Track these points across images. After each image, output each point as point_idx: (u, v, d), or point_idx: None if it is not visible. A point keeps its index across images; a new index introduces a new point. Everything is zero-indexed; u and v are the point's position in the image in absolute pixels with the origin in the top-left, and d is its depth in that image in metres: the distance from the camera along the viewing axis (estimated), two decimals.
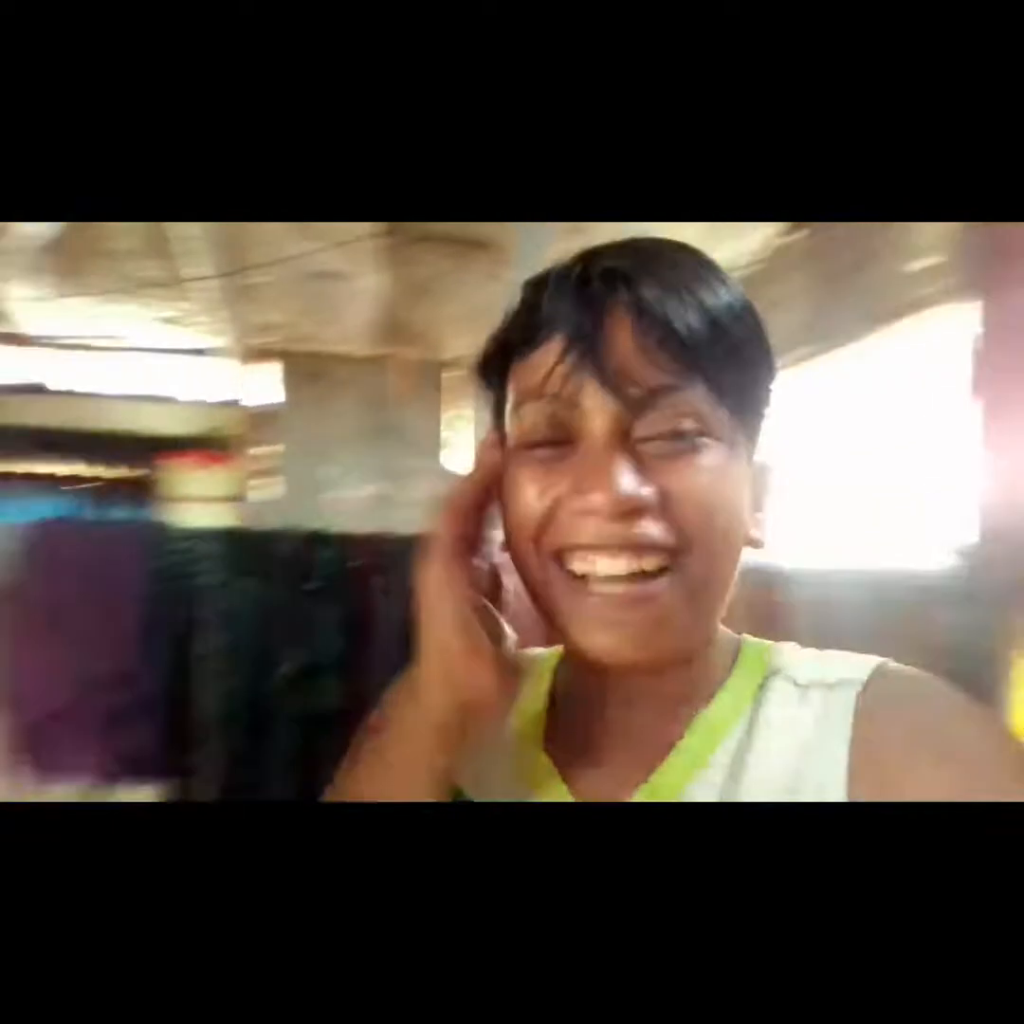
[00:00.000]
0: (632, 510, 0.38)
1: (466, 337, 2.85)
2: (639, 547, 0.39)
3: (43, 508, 3.75)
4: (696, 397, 0.40)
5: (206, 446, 2.85)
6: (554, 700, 0.51)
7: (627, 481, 0.38)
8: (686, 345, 0.39)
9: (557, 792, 0.45)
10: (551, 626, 0.44)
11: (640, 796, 0.43)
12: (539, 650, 0.56)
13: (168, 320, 2.54)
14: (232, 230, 2.15)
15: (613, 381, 0.39)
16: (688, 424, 0.40)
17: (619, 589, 0.39)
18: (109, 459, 3.29)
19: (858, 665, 0.43)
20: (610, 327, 0.39)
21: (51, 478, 3.67)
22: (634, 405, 0.39)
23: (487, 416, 0.48)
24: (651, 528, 0.39)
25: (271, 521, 2.75)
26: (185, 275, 2.31)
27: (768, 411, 0.45)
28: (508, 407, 0.44)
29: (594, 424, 0.40)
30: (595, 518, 0.39)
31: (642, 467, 0.39)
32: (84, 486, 3.54)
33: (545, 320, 0.41)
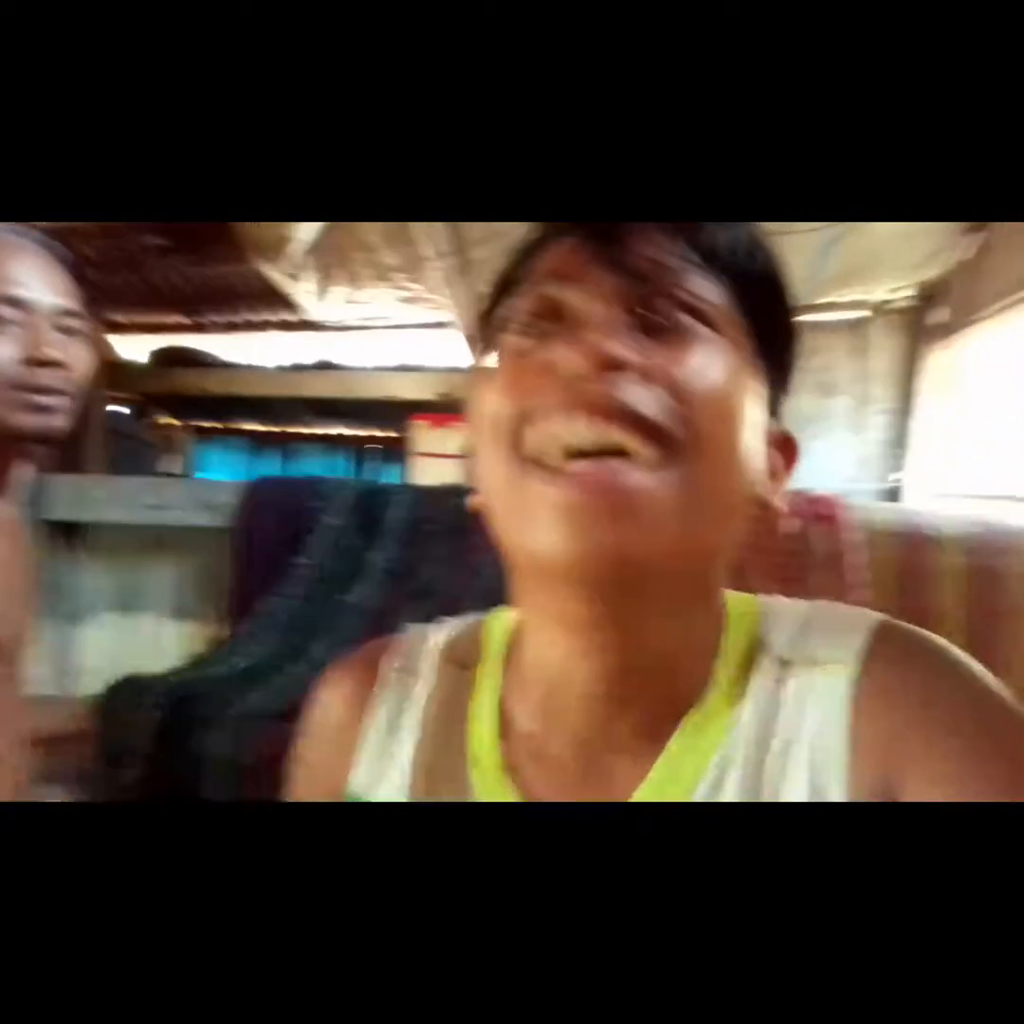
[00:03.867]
0: (610, 362, 0.34)
1: None
2: (623, 411, 0.33)
3: (325, 465, 4.49)
4: (708, 286, 0.37)
5: (448, 409, 3.21)
6: (511, 703, 0.43)
7: (615, 339, 0.34)
8: (707, 237, 0.37)
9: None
10: (514, 561, 0.37)
11: None
12: (467, 630, 0.48)
13: (408, 300, 2.92)
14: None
15: (617, 250, 0.36)
16: (691, 301, 0.36)
17: (592, 467, 0.33)
18: (373, 422, 3.87)
19: (852, 631, 0.38)
20: (624, 224, 0.37)
21: (332, 438, 4.38)
22: (635, 277, 0.36)
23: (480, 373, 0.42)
24: (640, 394, 0.34)
25: None
26: (418, 257, 2.65)
27: (790, 377, 0.41)
28: (497, 314, 0.41)
29: (586, 294, 0.36)
30: (573, 379, 0.34)
31: (640, 339, 0.35)
32: (357, 445, 4.19)
33: (556, 227, 0.39)
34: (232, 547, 1.51)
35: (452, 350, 3.22)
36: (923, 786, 0.33)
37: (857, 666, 0.36)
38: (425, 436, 3.30)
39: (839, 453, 2.56)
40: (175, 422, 4.62)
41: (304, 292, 2.98)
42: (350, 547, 1.47)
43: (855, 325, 2.60)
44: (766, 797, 0.36)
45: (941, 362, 2.39)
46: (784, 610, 0.41)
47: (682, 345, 0.36)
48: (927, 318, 2.47)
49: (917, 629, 0.38)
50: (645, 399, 0.34)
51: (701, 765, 0.37)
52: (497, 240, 2.92)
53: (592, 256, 0.37)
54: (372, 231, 2.62)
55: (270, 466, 4.67)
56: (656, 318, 0.36)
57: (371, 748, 0.45)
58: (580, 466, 0.34)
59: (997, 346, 2.04)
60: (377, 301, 3.00)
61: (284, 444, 4.73)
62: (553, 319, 0.37)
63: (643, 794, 0.38)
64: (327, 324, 3.31)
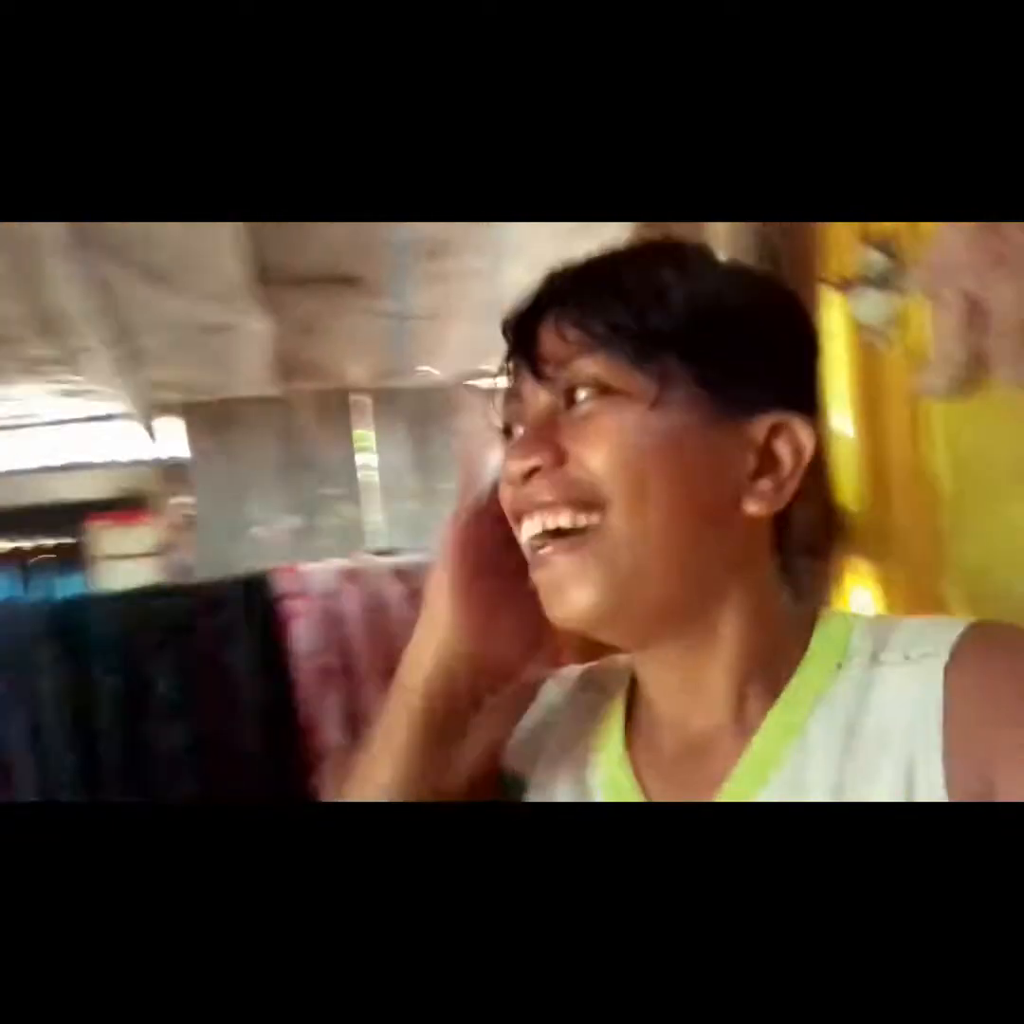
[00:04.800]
0: (528, 471, 0.41)
1: (359, 365, 3.01)
2: (547, 505, 0.40)
3: None
4: (598, 360, 0.41)
5: (127, 506, 2.97)
6: (632, 709, 0.49)
7: (521, 446, 0.42)
8: (589, 318, 0.40)
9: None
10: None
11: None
12: (611, 664, 0.54)
13: (68, 393, 2.67)
14: (108, 299, 2.29)
15: (536, 365, 0.42)
16: (584, 382, 0.41)
17: (548, 547, 0.41)
18: (42, 530, 3.42)
19: (943, 632, 0.39)
20: (542, 323, 0.42)
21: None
22: (556, 384, 0.42)
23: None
24: (559, 484, 0.40)
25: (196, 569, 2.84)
26: (73, 349, 2.44)
27: (779, 381, 0.43)
28: None
29: (527, 407, 0.43)
30: (511, 488, 0.42)
31: (552, 434, 0.41)
32: (26, 557, 3.67)
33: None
34: None
35: (125, 443, 2.99)
36: (1018, 778, 0.34)
37: (949, 657, 0.37)
38: (107, 536, 3.01)
39: None
40: None
41: None
42: (70, 673, 1.34)
43: None
44: (851, 782, 0.38)
45: None
46: (875, 621, 0.44)
47: (588, 424, 0.41)
48: None
49: (1011, 625, 0.39)
50: (568, 488, 0.40)
51: (782, 749, 0.40)
52: (164, 330, 2.81)
53: (521, 374, 0.43)
54: (18, 323, 2.37)
55: None
56: (572, 407, 0.42)
57: (523, 733, 0.52)
58: (540, 548, 0.42)
59: None
60: (31, 397, 2.70)
61: None
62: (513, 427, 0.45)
63: (734, 779, 0.41)
64: None
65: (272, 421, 3.06)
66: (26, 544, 3.60)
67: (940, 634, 0.39)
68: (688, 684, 0.44)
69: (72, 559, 3.35)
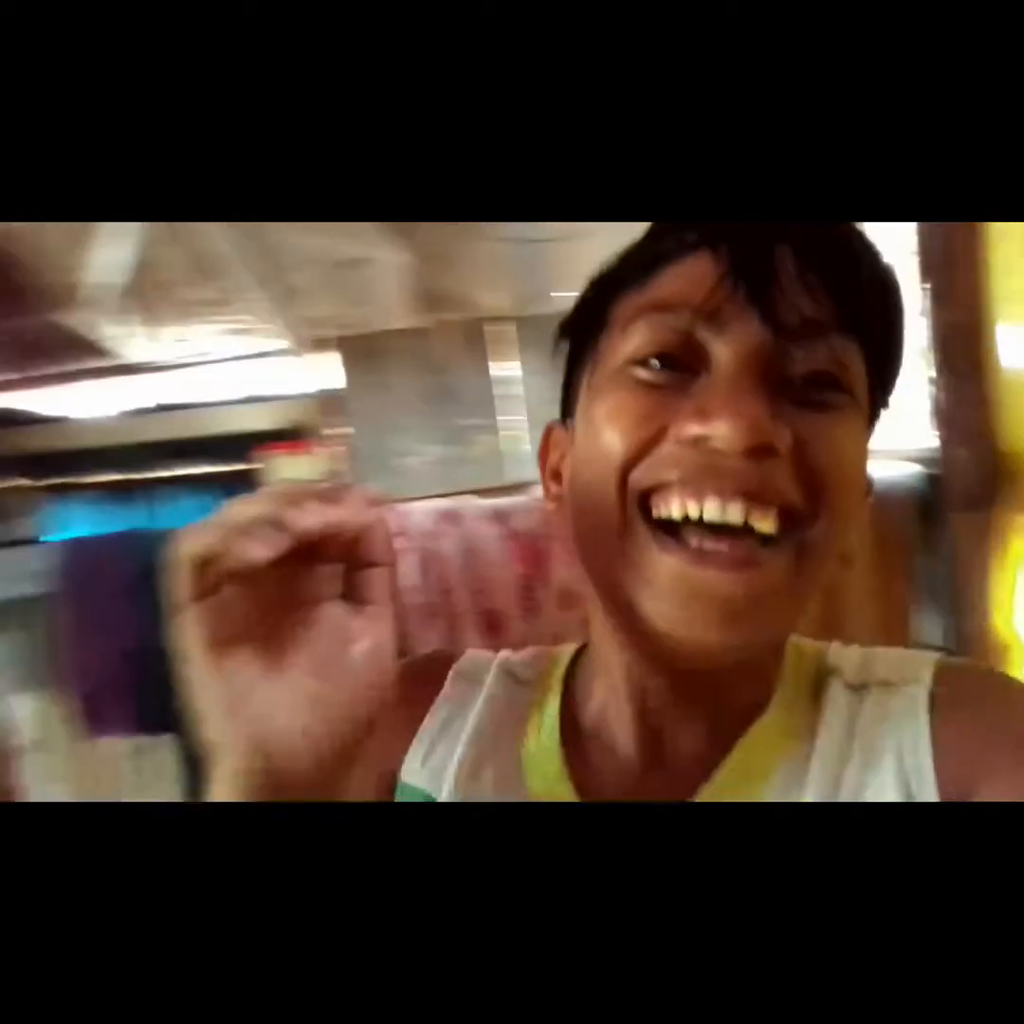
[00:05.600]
0: (762, 448, 0.33)
1: (496, 293, 2.98)
2: (760, 496, 0.33)
3: (191, 505, 4.36)
4: (849, 348, 0.36)
5: (291, 437, 3.19)
6: (568, 718, 0.45)
7: (763, 414, 0.33)
8: (851, 287, 0.35)
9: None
10: (609, 600, 0.37)
11: None
12: (528, 655, 0.50)
13: (234, 332, 2.87)
14: (254, 243, 2.41)
15: (770, 301, 0.34)
16: (835, 369, 0.35)
17: (722, 545, 0.33)
18: (218, 458, 3.79)
19: (917, 660, 0.39)
20: (772, 245, 0.35)
21: (191, 478, 4.26)
22: (785, 334, 0.35)
23: (560, 369, 0.43)
24: (779, 478, 0.34)
25: None
26: (232, 290, 2.61)
27: (885, 412, 0.41)
28: (608, 333, 0.39)
29: (734, 346, 0.35)
30: (713, 450, 0.33)
31: (781, 408, 0.34)
32: (218, 482, 4.10)
33: (690, 238, 0.36)
34: (51, 614, 1.46)
35: (289, 377, 3.19)
36: (1000, 796, 0.33)
37: (932, 682, 0.38)
38: (276, 464, 3.26)
39: None
40: (27, 483, 4.38)
41: (124, 336, 2.89)
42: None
43: None
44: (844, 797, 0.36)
45: None
46: (843, 648, 0.43)
47: (822, 419, 0.35)
48: None
49: (973, 661, 0.41)
50: (787, 487, 0.34)
51: (766, 772, 0.38)
52: (313, 266, 2.94)
53: (736, 294, 0.34)
54: (182, 267, 2.57)
55: (130, 516, 4.50)
56: (803, 392, 0.35)
57: (424, 744, 0.47)
58: (709, 543, 0.33)
59: None
60: (204, 336, 2.94)
61: (143, 491, 4.56)
62: (688, 359, 0.36)
63: (706, 796, 0.38)
64: (155, 365, 3.22)
65: (418, 353, 3.13)
66: (205, 470, 4.02)
67: (916, 662, 0.39)
68: (676, 701, 0.40)
69: (247, 485, 3.70)
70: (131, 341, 2.93)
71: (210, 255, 2.46)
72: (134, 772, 1.51)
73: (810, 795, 0.37)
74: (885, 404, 0.40)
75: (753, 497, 0.33)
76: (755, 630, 0.33)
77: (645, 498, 0.35)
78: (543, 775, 0.42)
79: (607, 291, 0.41)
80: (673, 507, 0.34)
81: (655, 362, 0.36)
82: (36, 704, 1.55)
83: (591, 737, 0.43)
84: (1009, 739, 0.35)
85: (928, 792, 0.35)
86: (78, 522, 4.52)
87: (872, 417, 0.39)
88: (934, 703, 0.37)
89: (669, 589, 0.33)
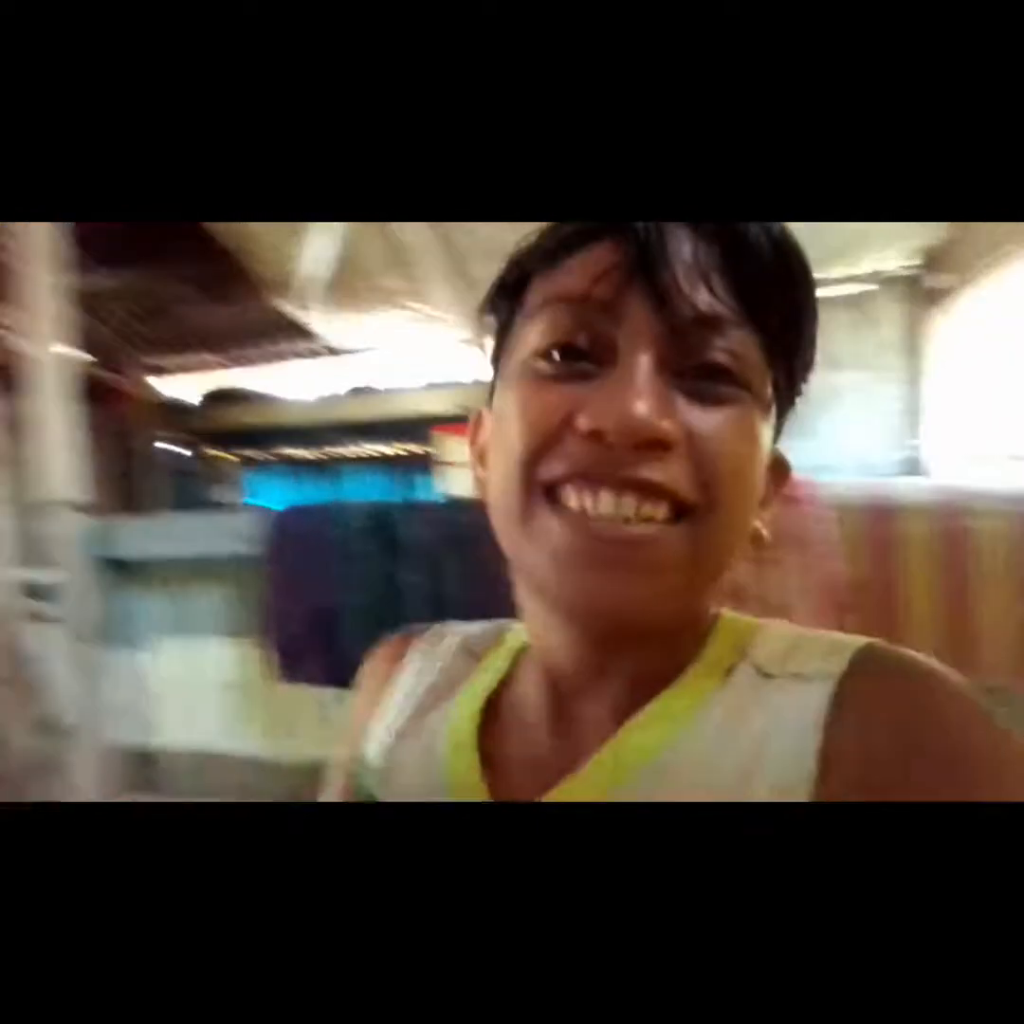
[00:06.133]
0: (652, 441, 0.34)
1: None
2: (651, 487, 0.34)
3: (370, 483, 4.67)
4: (746, 341, 0.36)
5: (465, 421, 3.33)
6: (504, 687, 0.46)
7: (653, 407, 0.33)
8: (751, 275, 0.35)
9: (472, 788, 0.41)
10: (526, 582, 0.40)
11: (553, 797, 0.38)
12: (485, 629, 0.52)
13: (417, 320, 3.04)
14: (445, 231, 2.53)
15: (666, 294, 0.34)
16: (730, 363, 0.35)
17: (621, 530, 0.34)
18: (400, 439, 4.04)
19: (839, 652, 0.37)
20: (671, 236, 0.35)
21: (373, 458, 4.57)
22: (680, 328, 0.35)
23: (490, 347, 0.43)
24: (670, 469, 0.34)
25: None
26: (420, 279, 2.76)
27: (796, 402, 0.40)
28: (520, 318, 0.40)
29: (630, 338, 0.35)
30: (607, 445, 0.34)
31: (675, 402, 0.35)
32: (397, 462, 4.37)
33: (591, 227, 0.36)
34: (260, 571, 1.62)
35: (472, 364, 3.33)
36: (889, 787, 0.32)
37: (834, 684, 0.35)
38: (452, 447, 3.42)
39: (851, 428, 2.55)
40: (227, 456, 4.87)
41: (322, 321, 3.13)
42: (375, 568, 1.55)
43: (855, 299, 2.59)
44: (720, 794, 0.35)
45: (946, 327, 2.36)
46: (777, 631, 0.41)
47: (715, 411, 0.35)
48: (928, 284, 2.44)
49: (906, 652, 0.36)
50: (679, 480, 0.34)
51: (654, 746, 0.37)
52: (494, 259, 3.01)
53: (633, 285, 0.35)
54: (375, 258, 2.74)
55: (319, 488, 4.87)
56: (697, 385, 0.35)
57: (385, 719, 0.49)
58: (610, 528, 0.34)
59: (994, 305, 2.02)
60: (394, 324, 3.13)
61: (329, 467, 4.93)
62: (594, 350, 0.36)
63: (594, 764, 0.38)
64: (348, 349, 3.46)
65: None
66: (387, 450, 4.29)
67: (830, 657, 0.37)
68: (592, 668, 0.40)
69: (423, 465, 3.91)
70: (333, 326, 3.16)
71: (405, 247, 2.61)
72: (320, 721, 1.62)
73: (683, 776, 0.36)
74: (796, 392, 0.40)
75: (645, 491, 0.34)
76: (655, 604, 0.35)
77: (548, 490, 0.36)
78: (456, 743, 0.43)
79: (521, 274, 0.40)
80: (571, 500, 0.35)
81: (556, 354, 0.36)
82: (236, 649, 1.72)
83: (511, 707, 0.45)
84: (907, 753, 0.32)
85: (801, 797, 0.33)
86: (276, 492, 4.97)
87: (781, 409, 0.39)
88: (836, 702, 0.35)
89: (575, 568, 0.35)
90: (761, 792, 0.34)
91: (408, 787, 0.44)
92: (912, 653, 0.36)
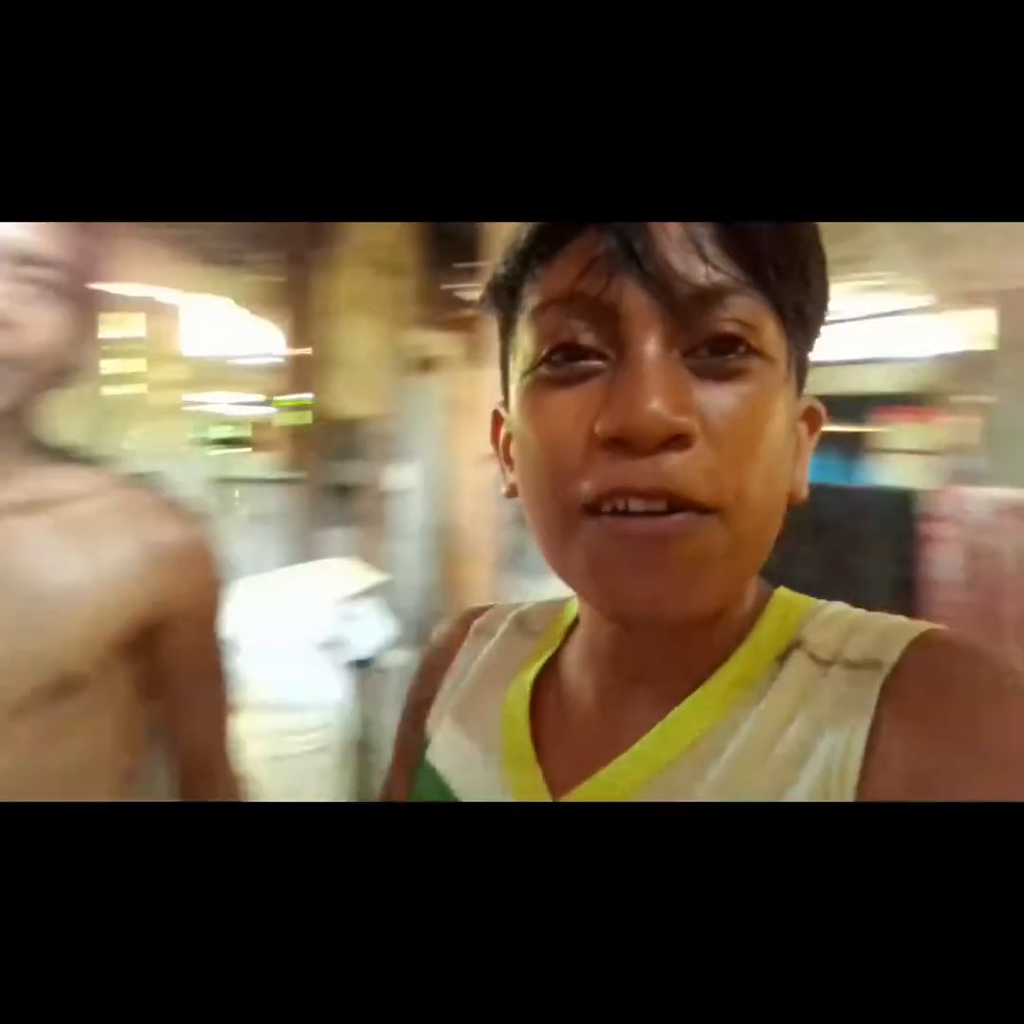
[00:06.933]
0: (673, 439, 0.33)
1: None
2: (682, 488, 0.33)
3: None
4: (750, 305, 0.34)
5: (914, 402, 2.80)
6: (557, 663, 0.46)
7: (668, 401, 0.32)
8: (743, 235, 0.33)
9: (526, 763, 0.42)
10: (573, 585, 0.39)
11: (597, 781, 0.39)
12: (543, 607, 0.52)
13: (868, 288, 2.79)
14: None
15: (659, 274, 0.33)
16: (740, 331, 0.34)
17: (659, 524, 0.33)
18: (839, 418, 3.08)
19: (895, 638, 0.35)
20: (656, 226, 0.33)
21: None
22: (681, 306, 0.33)
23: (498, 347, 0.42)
24: (696, 461, 0.33)
25: (989, 473, 2.21)
26: (872, 245, 2.38)
27: (814, 348, 0.39)
28: (521, 316, 0.38)
29: (634, 329, 0.34)
30: (629, 449, 0.33)
31: (688, 386, 0.34)
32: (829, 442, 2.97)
33: (570, 221, 0.35)
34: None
35: (926, 336, 2.79)
36: (939, 785, 0.31)
37: (895, 667, 0.34)
38: (899, 432, 2.90)
39: None
40: None
41: None
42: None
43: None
44: (762, 781, 0.35)
45: None
46: (834, 614, 0.40)
47: (733, 385, 0.34)
48: None
49: (968, 639, 0.35)
50: (707, 470, 0.33)
51: (701, 729, 0.38)
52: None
53: (624, 271, 0.33)
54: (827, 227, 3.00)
55: None
56: (707, 360, 0.34)
57: (444, 695, 0.51)
58: (646, 524, 0.34)
59: None
60: (840, 295, 2.83)
61: None
62: (591, 348, 0.35)
63: (636, 750, 0.39)
64: None
65: None
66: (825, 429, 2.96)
67: (887, 644, 0.36)
68: (639, 653, 0.41)
69: (863, 448, 3.00)
70: None
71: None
72: None
73: (728, 766, 0.36)
74: (815, 338, 0.38)
75: (674, 492, 0.33)
76: (697, 595, 0.35)
77: (585, 506, 0.35)
78: (510, 716, 0.45)
79: (516, 271, 0.38)
80: (604, 507, 0.35)
81: (559, 357, 0.36)
82: None
83: (563, 683, 0.45)
84: (960, 749, 0.31)
85: (848, 792, 0.33)
86: None
87: (801, 362, 0.38)
88: (887, 694, 0.34)
89: (615, 569, 0.35)
90: (805, 783, 0.34)
91: (466, 761, 0.45)
92: (973, 640, 0.35)
